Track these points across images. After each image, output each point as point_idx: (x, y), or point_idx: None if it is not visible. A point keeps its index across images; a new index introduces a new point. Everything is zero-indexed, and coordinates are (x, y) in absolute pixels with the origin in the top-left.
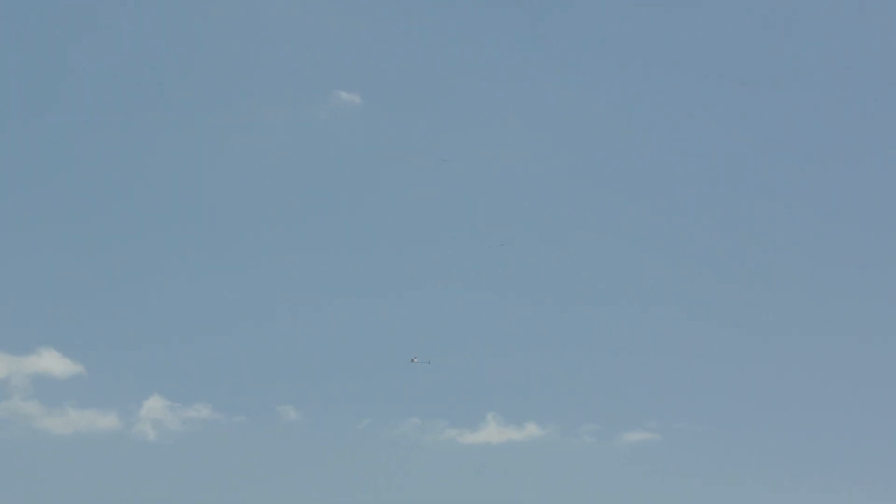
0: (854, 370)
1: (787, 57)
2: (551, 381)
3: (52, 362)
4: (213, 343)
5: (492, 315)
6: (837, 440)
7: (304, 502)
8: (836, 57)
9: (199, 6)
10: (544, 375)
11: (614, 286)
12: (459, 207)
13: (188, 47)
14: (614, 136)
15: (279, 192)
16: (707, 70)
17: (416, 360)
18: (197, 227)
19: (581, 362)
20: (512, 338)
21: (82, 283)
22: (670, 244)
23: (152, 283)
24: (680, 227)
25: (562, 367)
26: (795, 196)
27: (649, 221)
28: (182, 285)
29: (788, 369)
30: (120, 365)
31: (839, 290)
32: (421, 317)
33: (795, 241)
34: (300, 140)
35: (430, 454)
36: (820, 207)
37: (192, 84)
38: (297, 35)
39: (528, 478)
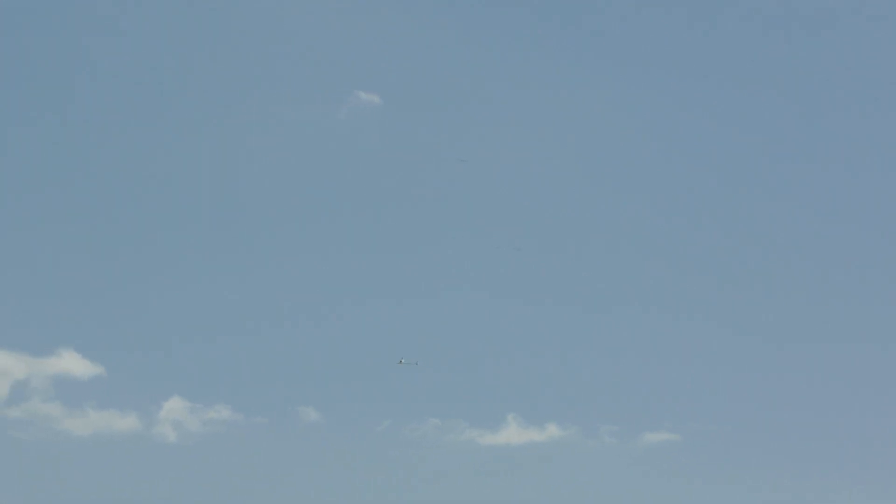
0: (875, 371)
1: (799, 58)
2: (572, 382)
3: (72, 363)
4: (233, 344)
5: (512, 316)
6: (858, 441)
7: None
8: (843, 58)
9: (217, 6)
10: (565, 376)
11: (635, 288)
12: (478, 209)
13: (207, 47)
14: (632, 138)
15: (298, 192)
16: (724, 72)
17: (403, 361)
18: (217, 227)
19: (601, 363)
20: (532, 339)
21: (102, 285)
22: (690, 247)
23: (172, 285)
24: (701, 230)
25: (582, 368)
26: (807, 199)
27: (669, 224)
28: (202, 286)
29: (807, 370)
30: (140, 366)
31: (854, 291)
32: (441, 318)
33: (811, 242)
34: (319, 140)
35: (451, 455)
36: (834, 210)
37: (212, 84)
38: (316, 35)
39: (548, 479)
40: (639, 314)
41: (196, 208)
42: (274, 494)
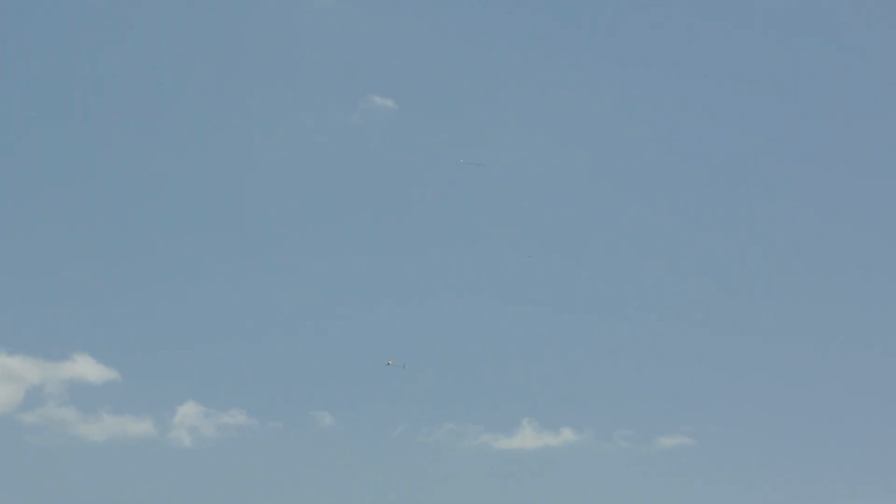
0: (893, 374)
1: (814, 64)
2: (586, 387)
3: (87, 368)
4: (247, 349)
5: (526, 321)
6: (875, 443)
7: None
8: (847, 59)
9: (232, 11)
10: (579, 381)
11: (650, 293)
12: (493, 213)
13: (222, 52)
14: (645, 143)
15: (313, 196)
16: (739, 76)
17: (391, 362)
18: (231, 232)
19: (615, 368)
20: (547, 344)
21: (117, 290)
22: (705, 251)
23: (186, 290)
24: (717, 235)
25: (597, 372)
26: (826, 204)
27: (685, 229)
28: (216, 291)
29: (822, 373)
30: (155, 371)
31: (870, 294)
32: (456, 322)
33: (827, 247)
34: (334, 144)
35: (465, 459)
36: (850, 214)
37: (226, 89)
38: (330, 39)
39: (563, 483)
40: (653, 319)
41: (210, 213)
42: (288, 499)
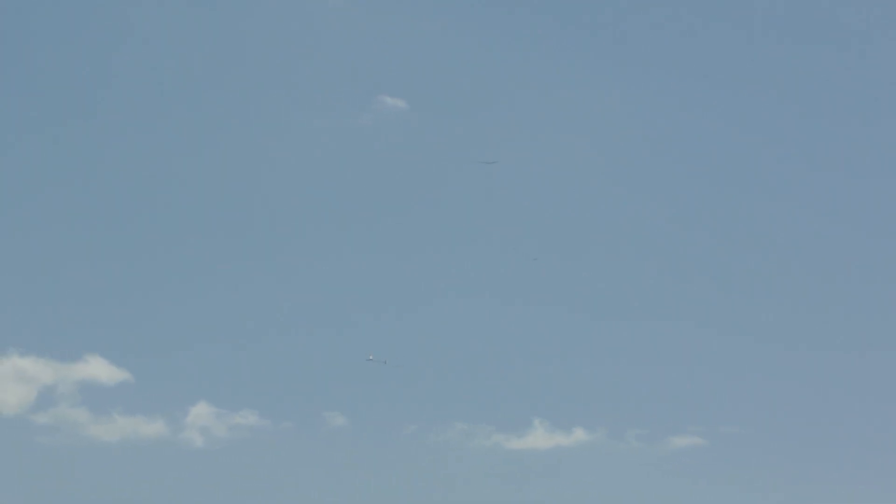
0: None
1: (823, 64)
2: (598, 386)
3: (98, 369)
4: (259, 349)
5: (538, 320)
6: (889, 444)
7: None
8: (855, 62)
9: (241, 12)
10: (590, 380)
11: (661, 292)
12: (505, 214)
13: (231, 53)
14: (657, 144)
15: (324, 198)
16: (751, 79)
17: (372, 357)
18: (242, 233)
19: (627, 367)
20: (558, 343)
21: (128, 290)
22: (716, 251)
23: (198, 290)
24: (729, 235)
25: (608, 372)
26: (830, 205)
27: (697, 228)
28: (227, 292)
29: (835, 374)
30: (166, 371)
31: (881, 293)
32: (468, 322)
33: (833, 249)
34: (345, 146)
35: (477, 459)
36: (855, 216)
37: (236, 90)
38: (340, 40)
39: (574, 483)
40: (666, 319)
41: (221, 214)
42: (300, 499)
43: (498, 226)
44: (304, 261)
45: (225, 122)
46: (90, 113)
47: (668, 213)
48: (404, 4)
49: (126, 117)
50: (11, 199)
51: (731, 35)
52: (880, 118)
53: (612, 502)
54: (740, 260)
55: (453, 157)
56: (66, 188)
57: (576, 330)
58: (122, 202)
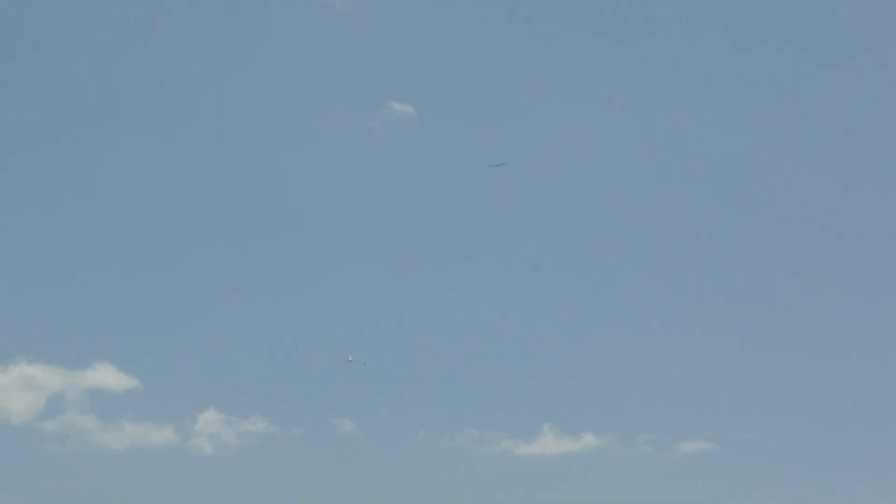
0: None
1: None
2: (607, 392)
3: (107, 376)
4: (267, 356)
5: (547, 327)
6: None
7: None
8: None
9: (249, 18)
10: (600, 386)
11: (671, 298)
12: (514, 219)
13: (239, 59)
14: (669, 148)
15: (333, 204)
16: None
17: (351, 359)
18: (251, 239)
19: (637, 372)
20: (568, 349)
21: (137, 297)
22: (726, 259)
23: (206, 296)
24: (736, 243)
25: (618, 377)
26: (836, 211)
27: (706, 237)
28: (236, 298)
29: (846, 378)
30: (175, 378)
31: (891, 300)
32: (477, 329)
33: (845, 255)
34: (353, 151)
35: (487, 465)
36: (861, 222)
37: (245, 96)
38: (349, 46)
39: (584, 488)
40: (675, 324)
41: (230, 220)
42: None
43: (507, 231)
44: (313, 266)
45: (234, 129)
46: (99, 118)
47: (679, 218)
48: (412, 10)
49: (135, 123)
50: (20, 207)
51: (742, 39)
52: (891, 123)
53: None
54: (752, 265)
55: (461, 163)
56: (75, 195)
57: (585, 335)
58: (129, 208)
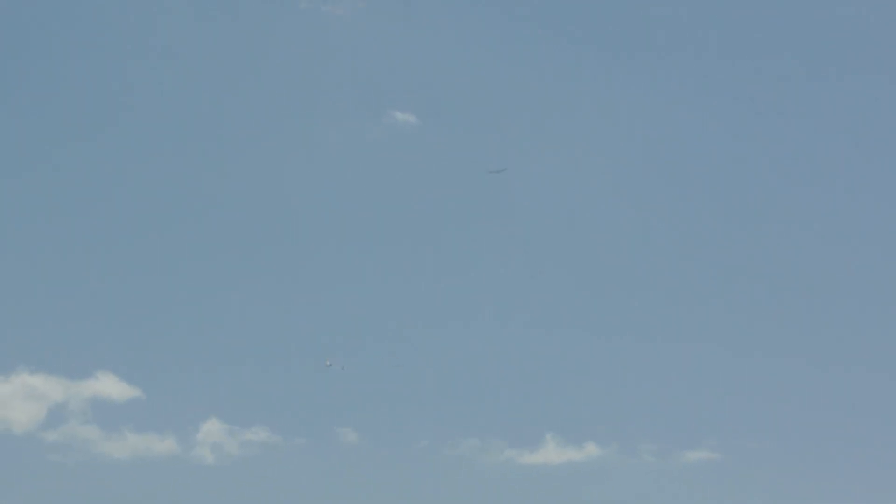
0: None
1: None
2: (610, 401)
3: (109, 386)
4: (270, 365)
5: (549, 336)
6: None
7: None
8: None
9: (251, 27)
10: (602, 395)
11: (673, 307)
12: (516, 229)
13: (241, 68)
14: (676, 155)
15: (335, 214)
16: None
17: (329, 363)
18: (252, 248)
19: (639, 381)
20: (570, 358)
21: (139, 307)
22: (730, 268)
23: (209, 306)
24: (741, 252)
25: (620, 386)
26: (845, 221)
27: (709, 246)
28: (238, 307)
29: (852, 387)
30: (177, 388)
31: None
32: (479, 338)
33: (850, 264)
34: (355, 160)
35: (489, 474)
36: (873, 233)
37: (246, 105)
38: (350, 55)
39: (587, 498)
40: (678, 332)
41: (232, 229)
42: None
43: (509, 239)
44: (316, 275)
45: (236, 138)
46: (102, 125)
47: (683, 227)
48: (414, 19)
49: (138, 130)
50: (22, 214)
51: (751, 46)
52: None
53: None
54: (755, 274)
55: (464, 172)
56: (78, 203)
57: (588, 344)
58: (131, 216)
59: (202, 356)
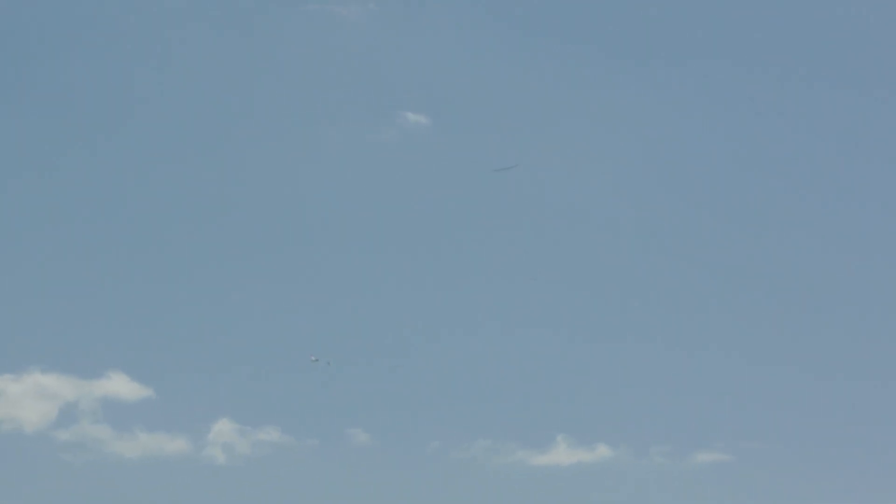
0: None
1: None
2: (621, 402)
3: (121, 386)
4: (281, 365)
5: (561, 338)
6: None
7: None
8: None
9: (261, 28)
10: (613, 396)
11: (684, 310)
12: (528, 231)
13: (251, 69)
14: (690, 159)
15: (346, 216)
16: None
17: (314, 359)
18: (262, 250)
19: (650, 383)
20: (581, 359)
21: (151, 307)
22: (741, 271)
23: (221, 306)
24: (754, 253)
25: (631, 387)
26: (854, 225)
27: (721, 248)
28: (250, 308)
29: (863, 389)
30: (189, 388)
31: None
32: (491, 341)
33: (858, 267)
34: (367, 162)
35: (500, 475)
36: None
37: (257, 107)
38: (362, 56)
39: (598, 499)
40: (690, 334)
41: (243, 231)
42: None
43: (522, 241)
44: (327, 277)
45: (248, 141)
46: (113, 128)
47: (695, 230)
48: (426, 20)
49: (149, 133)
50: (34, 216)
51: (769, 50)
52: None
53: None
54: (768, 277)
55: (476, 173)
56: (89, 204)
57: (600, 346)
58: (142, 218)
59: (214, 356)
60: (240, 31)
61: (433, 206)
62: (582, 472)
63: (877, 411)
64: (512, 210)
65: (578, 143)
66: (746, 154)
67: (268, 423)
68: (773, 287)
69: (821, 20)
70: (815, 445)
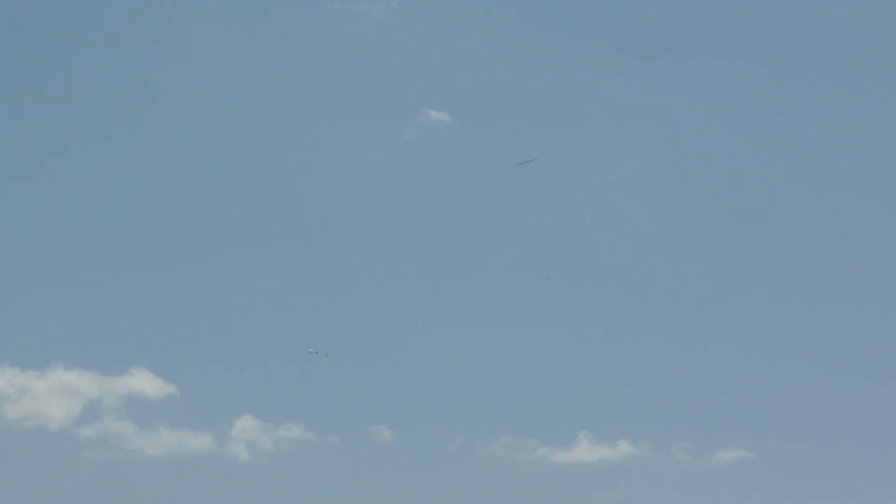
0: None
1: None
2: (643, 399)
3: (144, 382)
4: (304, 363)
5: (583, 334)
6: None
7: None
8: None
9: (284, 27)
10: (636, 393)
11: (705, 308)
12: (550, 227)
13: (274, 68)
14: (709, 158)
15: (367, 215)
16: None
17: (312, 350)
18: (286, 247)
19: (673, 379)
20: (603, 356)
21: (174, 303)
22: (762, 268)
23: (243, 303)
24: (775, 251)
25: (654, 384)
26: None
27: (743, 246)
28: (272, 305)
29: (884, 387)
30: (212, 385)
31: None
32: (513, 338)
33: (871, 265)
34: (389, 160)
35: (522, 473)
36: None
37: (279, 105)
38: (384, 54)
39: (620, 496)
40: (712, 332)
41: (266, 228)
42: None
43: (544, 237)
44: (350, 273)
45: (269, 138)
46: (134, 125)
47: (715, 227)
48: (448, 18)
49: (170, 135)
50: (56, 214)
51: (782, 53)
52: None
53: None
54: (791, 274)
55: (499, 173)
56: (112, 202)
57: (622, 343)
58: (166, 215)
59: (236, 353)
60: (264, 30)
61: (456, 202)
62: (604, 469)
63: None
64: (535, 205)
65: (598, 141)
66: (766, 158)
67: (290, 419)
68: (795, 288)
69: (838, 21)
70: (837, 444)
